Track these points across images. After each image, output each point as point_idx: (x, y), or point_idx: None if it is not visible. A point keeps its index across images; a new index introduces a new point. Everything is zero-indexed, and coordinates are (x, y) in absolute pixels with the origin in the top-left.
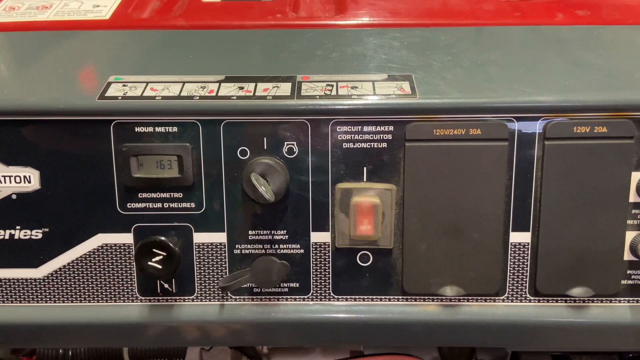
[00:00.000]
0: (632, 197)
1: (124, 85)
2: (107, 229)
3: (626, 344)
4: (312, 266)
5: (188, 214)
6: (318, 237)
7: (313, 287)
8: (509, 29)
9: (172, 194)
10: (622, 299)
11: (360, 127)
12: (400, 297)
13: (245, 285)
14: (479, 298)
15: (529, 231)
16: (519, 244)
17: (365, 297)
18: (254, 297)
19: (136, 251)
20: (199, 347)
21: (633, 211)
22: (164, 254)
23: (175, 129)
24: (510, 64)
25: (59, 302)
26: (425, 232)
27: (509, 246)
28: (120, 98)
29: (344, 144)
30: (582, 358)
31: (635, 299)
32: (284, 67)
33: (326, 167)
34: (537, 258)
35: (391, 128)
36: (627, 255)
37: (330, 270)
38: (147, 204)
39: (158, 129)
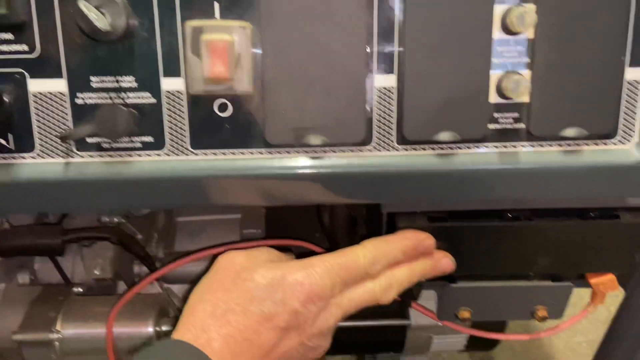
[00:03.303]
0: (497, 34)
1: None
2: None
3: (492, 192)
4: (166, 117)
5: (20, 58)
6: (170, 83)
7: (168, 141)
8: None
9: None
10: (489, 144)
11: None
12: (263, 150)
13: (92, 141)
14: (345, 148)
15: (394, 74)
16: (384, 88)
17: (226, 150)
18: (103, 152)
19: None
20: (78, 243)
21: (498, 49)
22: None
23: None
24: None
25: None
26: (286, 77)
27: (374, 90)
28: None
29: None
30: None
31: (503, 144)
32: None
33: (173, 1)
34: (403, 103)
35: None
36: (494, 98)
37: (187, 121)
38: None
39: None
